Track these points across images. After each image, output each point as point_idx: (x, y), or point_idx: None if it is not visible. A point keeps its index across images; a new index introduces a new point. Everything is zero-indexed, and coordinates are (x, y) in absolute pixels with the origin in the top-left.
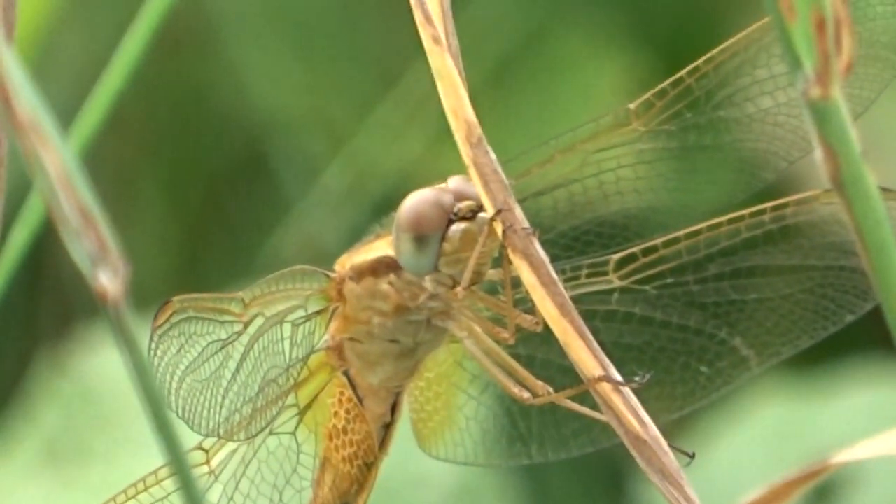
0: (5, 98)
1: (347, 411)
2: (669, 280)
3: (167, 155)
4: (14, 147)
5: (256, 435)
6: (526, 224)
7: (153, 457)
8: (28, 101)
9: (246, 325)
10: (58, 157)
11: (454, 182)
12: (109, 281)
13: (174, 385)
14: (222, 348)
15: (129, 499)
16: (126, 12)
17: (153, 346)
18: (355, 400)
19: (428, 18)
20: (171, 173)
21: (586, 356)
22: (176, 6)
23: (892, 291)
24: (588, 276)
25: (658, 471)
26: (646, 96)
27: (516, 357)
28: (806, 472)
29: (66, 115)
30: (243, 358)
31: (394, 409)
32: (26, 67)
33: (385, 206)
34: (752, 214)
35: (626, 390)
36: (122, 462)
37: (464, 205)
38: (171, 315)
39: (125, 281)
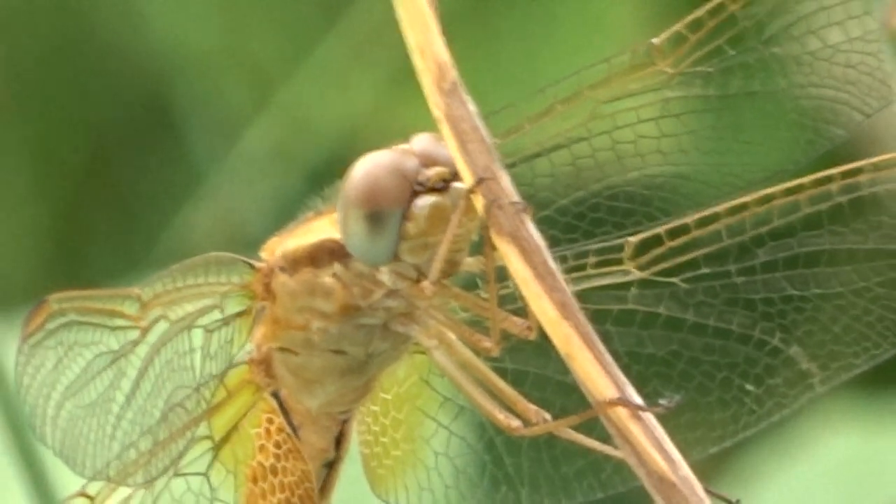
0: None
1: (277, 445)
2: (705, 270)
3: (38, 105)
4: None
5: (158, 477)
6: (516, 197)
7: None
8: None
9: (144, 332)
10: None
11: (420, 142)
12: None
13: (49, 411)
14: (113, 362)
15: None
16: None
17: (22, 359)
18: (288, 430)
19: None
20: (44, 129)
21: (595, 371)
22: None
23: None
24: (597, 265)
25: None
26: (675, 28)
27: (502, 373)
28: None
29: None
30: (141, 375)
31: (339, 442)
32: None
33: (326, 173)
34: (816, 183)
35: (649, 417)
36: None
37: (433, 172)
38: (45, 319)
39: None
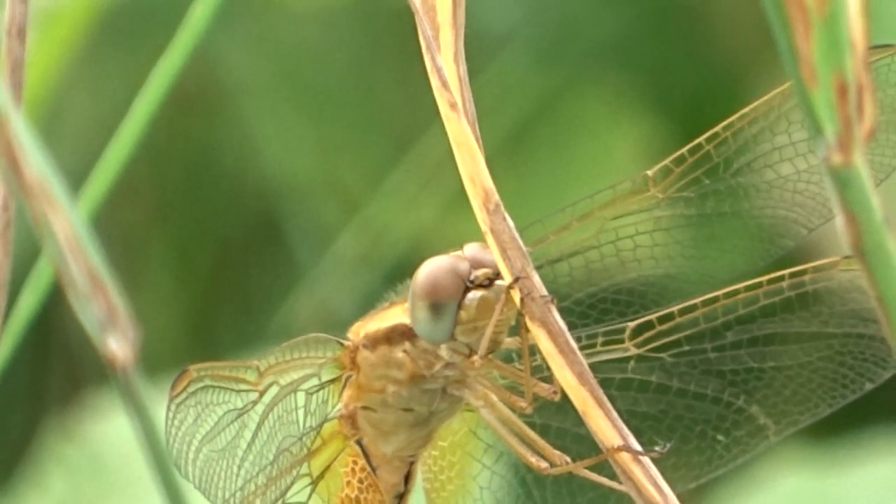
0: (13, 160)
1: (360, 481)
2: (686, 348)
3: (177, 220)
4: (22, 210)
5: None
6: (544, 291)
7: None
8: (36, 164)
9: (261, 394)
10: (66, 221)
11: (471, 249)
12: (119, 346)
13: (191, 455)
14: (238, 417)
15: None
16: (136, 74)
17: (170, 415)
18: (368, 469)
19: (445, 84)
20: (182, 238)
21: (605, 425)
22: (187, 69)
23: None
24: (604, 343)
25: None
26: (664, 163)
27: (531, 426)
28: None
29: (74, 177)
30: (259, 427)
31: (407, 478)
32: (34, 129)
33: (399, 273)
34: (771, 281)
35: (646, 460)
36: None
37: (480, 272)
38: (188, 384)
39: (135, 346)
